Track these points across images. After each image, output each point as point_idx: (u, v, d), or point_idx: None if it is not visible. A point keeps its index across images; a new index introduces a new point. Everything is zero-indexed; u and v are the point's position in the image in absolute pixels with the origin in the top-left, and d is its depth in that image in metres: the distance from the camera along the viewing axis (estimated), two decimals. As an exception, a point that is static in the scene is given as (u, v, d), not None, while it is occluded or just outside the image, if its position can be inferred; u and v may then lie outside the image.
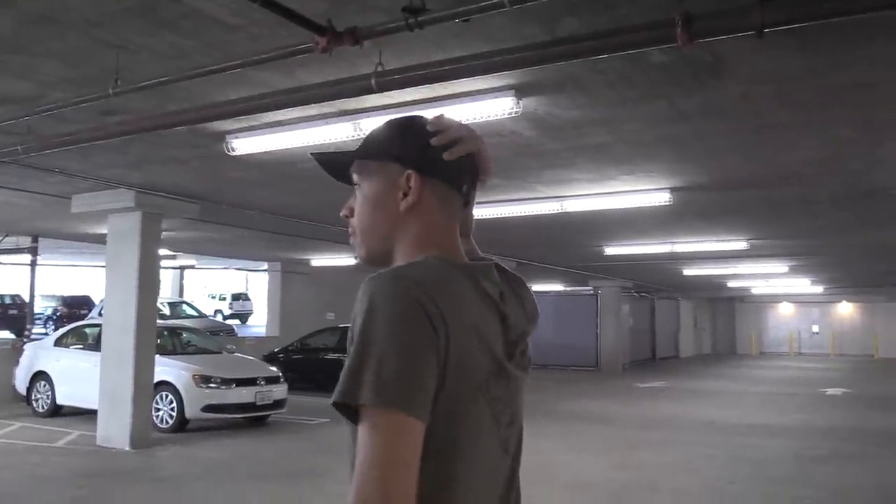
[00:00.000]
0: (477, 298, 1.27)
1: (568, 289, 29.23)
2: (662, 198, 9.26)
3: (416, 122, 1.40)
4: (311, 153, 1.54)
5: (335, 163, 1.45)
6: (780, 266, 19.77)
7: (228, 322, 29.12)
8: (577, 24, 4.30)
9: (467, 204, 1.41)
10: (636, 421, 13.09)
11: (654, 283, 27.44)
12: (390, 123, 1.41)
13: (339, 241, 14.62)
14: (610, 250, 15.79)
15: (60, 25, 4.46)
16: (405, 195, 1.33)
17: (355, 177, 1.40)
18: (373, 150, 1.38)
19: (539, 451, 9.99)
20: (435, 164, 1.34)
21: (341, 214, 1.43)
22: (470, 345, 1.20)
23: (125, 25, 4.43)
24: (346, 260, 19.34)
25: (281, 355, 16.16)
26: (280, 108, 5.25)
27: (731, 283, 26.97)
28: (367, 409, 1.10)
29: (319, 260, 19.78)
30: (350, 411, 1.13)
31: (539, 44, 4.19)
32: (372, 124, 6.03)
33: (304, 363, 15.97)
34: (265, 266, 22.08)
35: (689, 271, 20.77)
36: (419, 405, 1.12)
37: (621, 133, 6.82)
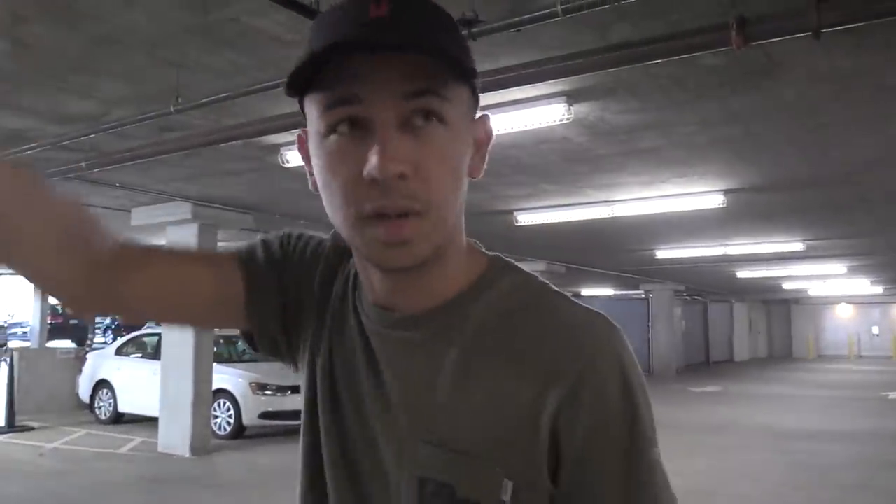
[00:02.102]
0: None
1: (619, 293, 28.97)
2: (716, 200, 9.14)
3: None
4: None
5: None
6: (839, 267, 19.30)
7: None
8: (629, 30, 4.30)
9: None
10: (692, 426, 12.90)
11: (707, 286, 27.03)
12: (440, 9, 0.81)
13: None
14: (661, 254, 15.62)
15: (123, 46, 4.61)
16: (479, 148, 0.85)
17: (436, 100, 0.76)
18: (457, 56, 0.77)
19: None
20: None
21: (394, 172, 0.73)
22: None
23: (185, 45, 4.57)
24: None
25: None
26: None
27: (787, 285, 26.42)
28: None
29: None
30: None
31: (591, 51, 4.20)
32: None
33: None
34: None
35: (742, 273, 20.41)
36: None
37: (673, 136, 6.77)
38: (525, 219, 10.70)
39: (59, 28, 4.35)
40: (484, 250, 0.91)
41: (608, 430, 0.79)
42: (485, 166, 0.86)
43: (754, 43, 3.69)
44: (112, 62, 4.90)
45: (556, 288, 0.87)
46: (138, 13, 4.12)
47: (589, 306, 0.85)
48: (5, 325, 25.86)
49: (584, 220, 10.53)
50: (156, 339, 12.14)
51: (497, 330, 0.83)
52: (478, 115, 0.85)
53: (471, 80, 0.81)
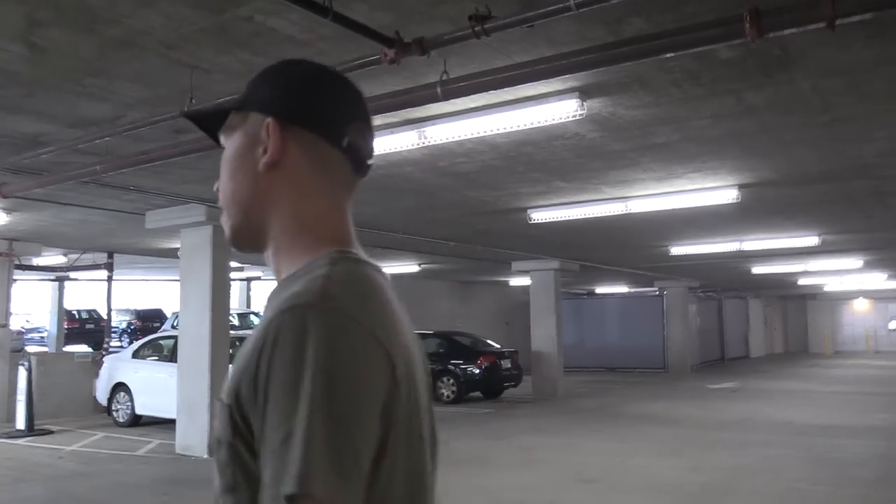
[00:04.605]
0: (398, 311, 1.04)
1: (633, 290, 28.88)
2: (730, 195, 9.10)
3: (291, 62, 1.13)
4: (183, 113, 1.36)
5: (210, 122, 1.16)
6: (855, 261, 19.16)
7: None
8: (642, 24, 4.29)
9: (359, 168, 1.11)
10: (709, 422, 12.85)
11: (722, 282, 26.91)
12: (264, 69, 1.13)
13: (402, 248, 14.79)
14: (675, 250, 15.56)
15: (138, 49, 4.64)
16: (265, 151, 1.06)
17: (221, 138, 1.14)
18: (238, 100, 1.12)
19: (614, 454, 9.92)
20: (301, 109, 1.07)
21: (213, 190, 1.14)
22: (412, 379, 0.99)
23: (199, 46, 4.59)
24: (408, 267, 19.51)
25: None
26: (348, 120, 5.33)
27: (802, 281, 26.25)
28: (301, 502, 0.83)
29: (384, 268, 19.97)
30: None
31: (604, 45, 4.19)
32: (436, 132, 6.14)
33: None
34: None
35: (757, 269, 20.30)
36: (360, 491, 0.88)
37: (688, 131, 6.74)
38: (539, 216, 10.69)
39: (74, 31, 4.38)
40: (336, 251, 1.04)
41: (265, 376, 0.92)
42: (270, 155, 1.06)
43: (769, 35, 3.67)
44: (127, 65, 4.93)
45: (324, 275, 0.97)
46: (153, 15, 4.14)
47: (310, 290, 0.95)
48: (23, 330, 26.04)
49: (597, 217, 10.50)
50: (172, 341, 12.20)
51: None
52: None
53: (253, 106, 1.10)
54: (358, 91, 1.13)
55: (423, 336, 17.30)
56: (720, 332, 30.55)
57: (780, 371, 25.12)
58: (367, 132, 1.13)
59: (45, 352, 18.65)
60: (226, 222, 1.11)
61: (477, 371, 16.37)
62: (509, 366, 17.01)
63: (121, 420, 12.62)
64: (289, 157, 1.06)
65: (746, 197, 9.24)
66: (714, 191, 9.14)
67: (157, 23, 4.25)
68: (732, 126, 6.56)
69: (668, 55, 4.18)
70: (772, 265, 19.56)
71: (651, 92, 5.64)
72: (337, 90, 1.11)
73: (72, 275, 18.18)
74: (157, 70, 4.98)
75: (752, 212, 10.81)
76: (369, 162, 1.13)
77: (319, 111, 1.07)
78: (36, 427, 11.64)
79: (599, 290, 29.69)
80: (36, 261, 15.59)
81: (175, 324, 20.81)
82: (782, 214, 11.50)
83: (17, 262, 13.61)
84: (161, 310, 28.63)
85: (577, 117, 5.64)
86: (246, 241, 1.11)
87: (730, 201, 9.27)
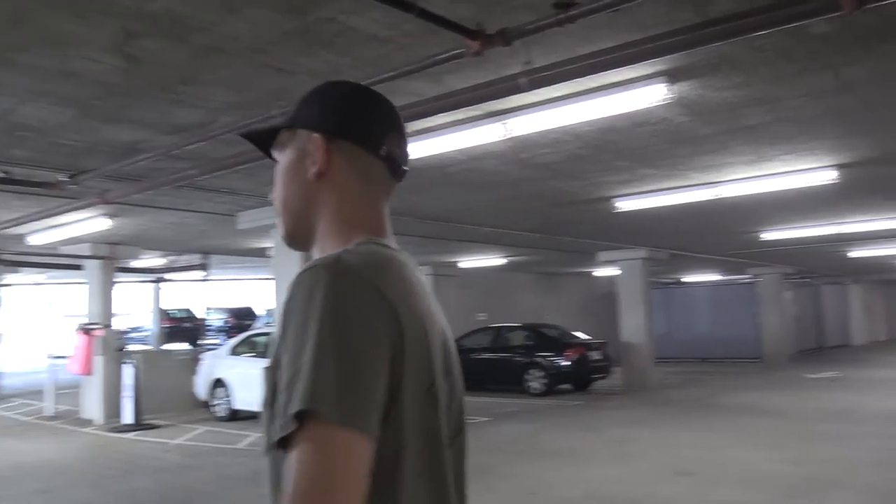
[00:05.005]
0: (420, 287, 1.15)
1: (724, 278, 28.04)
2: (828, 176, 8.71)
3: (334, 83, 1.30)
4: (239, 133, 1.55)
5: (263, 139, 1.33)
6: (964, 241, 18.08)
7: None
8: (731, 3, 4.14)
9: (396, 174, 1.26)
10: (810, 413, 12.37)
11: (818, 267, 25.83)
12: (310, 90, 1.30)
13: (487, 241, 14.79)
14: (767, 235, 15.02)
15: (227, 55, 4.77)
16: (313, 163, 1.21)
17: (274, 153, 1.30)
18: (287, 119, 1.28)
19: (709, 446, 9.67)
20: (344, 124, 1.22)
21: (268, 198, 1.33)
22: (423, 340, 1.06)
23: (285, 49, 4.69)
24: (494, 260, 19.49)
25: (436, 357, 16.48)
26: (431, 115, 5.36)
27: (907, 264, 24.94)
28: (308, 426, 0.91)
29: (467, 262, 20.02)
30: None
31: (692, 26, 4.06)
32: (519, 123, 6.10)
33: (461, 363, 16.25)
34: (415, 270, 22.42)
35: (854, 254, 19.41)
36: (371, 421, 0.94)
37: (781, 111, 6.48)
38: (624, 205, 10.49)
39: (167, 41, 4.53)
40: (365, 239, 1.15)
41: (282, 330, 1.04)
42: (317, 166, 1.21)
43: (868, 6, 3.48)
44: (216, 71, 5.07)
45: (344, 249, 1.09)
46: (239, 21, 4.25)
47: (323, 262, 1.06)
48: (125, 330, 27.27)
49: (686, 204, 10.23)
50: (266, 338, 12.55)
51: None
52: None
53: (301, 123, 1.26)
54: (391, 105, 1.28)
55: (511, 329, 17.55)
56: (818, 320, 29.35)
57: (884, 359, 23.94)
58: (402, 141, 1.27)
59: (147, 350, 19.43)
60: (280, 225, 1.28)
61: (566, 363, 16.23)
62: (598, 357, 16.81)
63: (220, 414, 13.07)
64: (334, 166, 1.21)
65: (846, 177, 8.83)
66: (810, 172, 8.76)
67: (243, 28, 4.36)
68: (830, 104, 6.27)
69: (760, 33, 4.03)
70: (872, 248, 18.64)
71: (741, 72, 5.45)
72: (373, 105, 1.26)
73: (168, 276, 18.89)
74: (245, 75, 5.12)
75: (852, 192, 10.32)
76: (405, 167, 1.28)
77: (359, 125, 1.22)
78: (142, 422, 12.18)
79: (688, 278, 28.95)
80: (135, 263, 16.28)
81: (269, 321, 21.37)
82: (885, 194, 10.94)
83: (118, 265, 14.25)
84: (252, 308, 29.50)
85: (665, 102, 5.51)
86: (298, 240, 1.27)
87: (827, 182, 8.88)
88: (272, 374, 1.06)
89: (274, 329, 1.10)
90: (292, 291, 1.02)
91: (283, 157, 1.27)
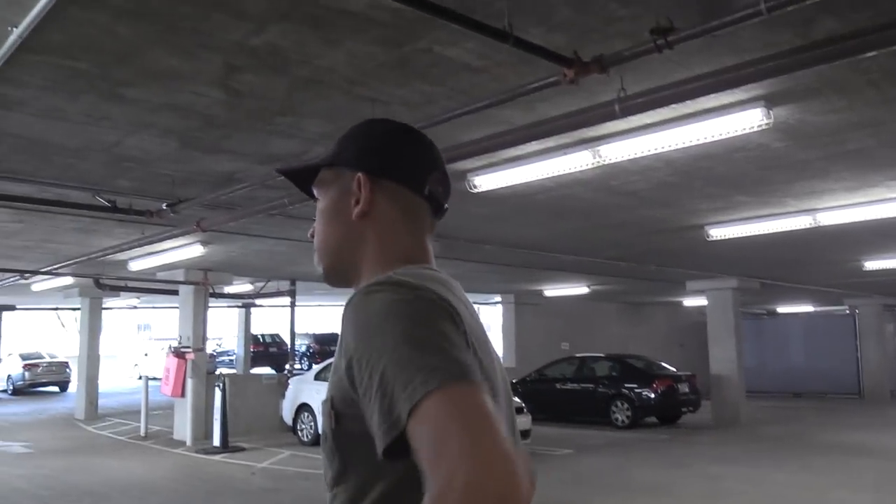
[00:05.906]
0: (470, 306, 1.13)
1: (819, 309, 26.92)
2: (936, 202, 8.29)
3: (375, 122, 1.29)
4: (276, 168, 1.48)
5: (302, 177, 1.33)
6: None
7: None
8: (834, 24, 4.01)
9: (438, 212, 1.25)
10: (917, 454, 11.67)
11: (923, 298, 24.50)
12: (351, 128, 1.30)
13: (571, 269, 14.62)
14: (870, 264, 14.35)
15: (324, 86, 4.89)
16: (357, 202, 1.20)
17: (315, 191, 1.30)
18: (329, 157, 1.27)
19: (806, 486, 9.23)
20: (388, 164, 1.21)
21: (308, 235, 1.32)
22: (484, 347, 1.07)
23: (380, 80, 4.77)
24: (578, 289, 19.25)
25: (519, 386, 16.33)
26: (522, 143, 5.35)
27: None
28: (424, 404, 0.87)
29: (552, 290, 19.85)
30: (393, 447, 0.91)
31: (793, 49, 3.94)
32: (611, 150, 6.03)
33: (544, 393, 16.10)
34: (498, 299, 22.40)
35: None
36: (478, 375, 0.93)
37: (885, 134, 6.21)
38: (717, 233, 10.22)
39: (267, 74, 4.69)
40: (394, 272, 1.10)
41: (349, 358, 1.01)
42: (362, 206, 1.20)
43: None
44: (313, 102, 5.21)
45: (391, 276, 1.06)
46: (338, 53, 4.35)
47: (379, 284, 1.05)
48: (214, 353, 28.05)
49: (782, 232, 9.89)
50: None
51: None
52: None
53: (344, 162, 1.26)
54: (432, 144, 1.27)
55: (596, 359, 17.23)
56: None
57: None
58: (445, 180, 1.26)
59: (236, 374, 19.92)
60: (318, 263, 1.27)
61: (652, 395, 15.79)
62: (687, 390, 16.30)
63: (305, 439, 13.24)
64: (378, 206, 1.20)
65: (955, 204, 8.39)
66: (918, 199, 8.36)
67: (341, 61, 4.47)
68: (940, 127, 5.98)
69: (865, 55, 3.88)
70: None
71: (844, 95, 5.25)
72: (416, 145, 1.26)
73: (257, 301, 19.38)
74: (341, 106, 5.23)
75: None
76: (446, 206, 1.27)
77: (403, 165, 1.22)
78: (230, 444, 12.46)
79: (781, 309, 27.91)
80: (227, 289, 16.77)
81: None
82: None
83: (211, 291, 14.71)
84: (336, 334, 29.82)
85: (763, 127, 5.35)
86: (339, 278, 1.25)
87: (937, 209, 8.44)
88: (333, 404, 1.06)
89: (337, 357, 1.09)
90: (349, 312, 1.03)
91: (324, 195, 1.27)
